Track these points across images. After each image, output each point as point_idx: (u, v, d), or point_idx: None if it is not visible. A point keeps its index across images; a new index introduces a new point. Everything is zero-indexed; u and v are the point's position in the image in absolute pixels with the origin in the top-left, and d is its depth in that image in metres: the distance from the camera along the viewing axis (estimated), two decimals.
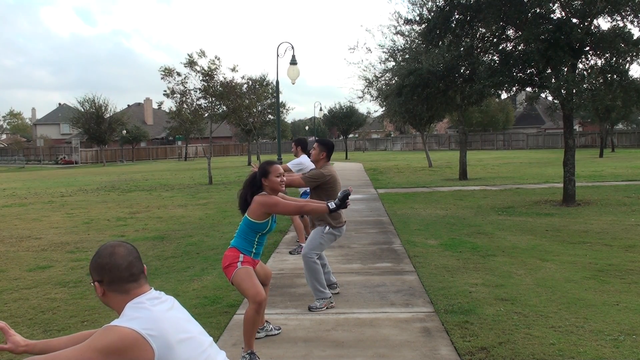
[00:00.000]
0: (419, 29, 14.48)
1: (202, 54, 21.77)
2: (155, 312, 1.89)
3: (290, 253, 7.53)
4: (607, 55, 11.18)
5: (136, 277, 1.98)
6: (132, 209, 13.51)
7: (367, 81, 26.78)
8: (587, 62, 11.75)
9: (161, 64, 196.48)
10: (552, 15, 11.36)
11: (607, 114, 33.46)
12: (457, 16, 11.92)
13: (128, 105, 76.03)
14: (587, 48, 11.36)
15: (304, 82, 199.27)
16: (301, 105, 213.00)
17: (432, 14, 12.29)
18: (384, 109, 27.73)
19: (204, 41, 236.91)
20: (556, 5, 11.27)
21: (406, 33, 21.33)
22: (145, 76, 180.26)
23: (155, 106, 32.73)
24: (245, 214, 3.99)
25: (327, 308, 4.92)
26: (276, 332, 4.34)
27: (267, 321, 4.33)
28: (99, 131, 49.65)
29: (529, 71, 12.08)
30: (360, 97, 33.22)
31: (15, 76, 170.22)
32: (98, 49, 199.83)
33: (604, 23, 43.30)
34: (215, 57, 22.29)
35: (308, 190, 5.49)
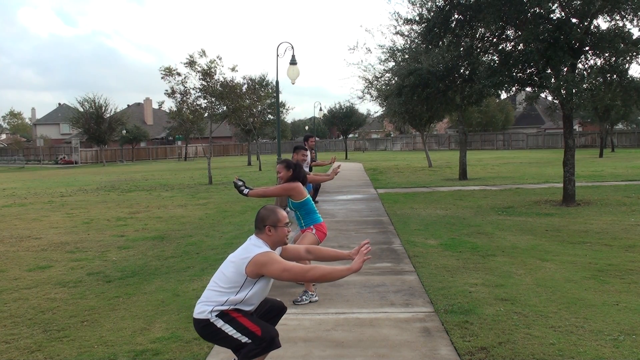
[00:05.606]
0: (419, 29, 14.46)
1: (203, 53, 21.76)
2: None
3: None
4: (606, 55, 11.17)
5: None
6: (132, 209, 13.52)
7: (367, 81, 26.77)
8: (587, 62, 11.75)
9: (147, 64, 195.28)
10: (551, 15, 11.36)
11: (607, 114, 33.44)
12: (456, 16, 11.91)
13: (128, 105, 76.10)
14: (587, 48, 11.36)
15: (296, 82, 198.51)
16: (296, 105, 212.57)
17: (432, 13, 12.28)
18: (384, 109, 27.72)
19: (196, 42, 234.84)
20: (556, 5, 11.26)
21: (406, 33, 21.30)
22: (134, 76, 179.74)
23: (155, 106, 32.73)
24: None
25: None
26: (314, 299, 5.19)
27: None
28: (98, 131, 49.66)
29: (528, 71, 12.08)
30: (360, 98, 33.22)
31: (2, 77, 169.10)
32: (82, 50, 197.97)
33: (603, 23, 43.24)
34: (217, 57, 22.28)
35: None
